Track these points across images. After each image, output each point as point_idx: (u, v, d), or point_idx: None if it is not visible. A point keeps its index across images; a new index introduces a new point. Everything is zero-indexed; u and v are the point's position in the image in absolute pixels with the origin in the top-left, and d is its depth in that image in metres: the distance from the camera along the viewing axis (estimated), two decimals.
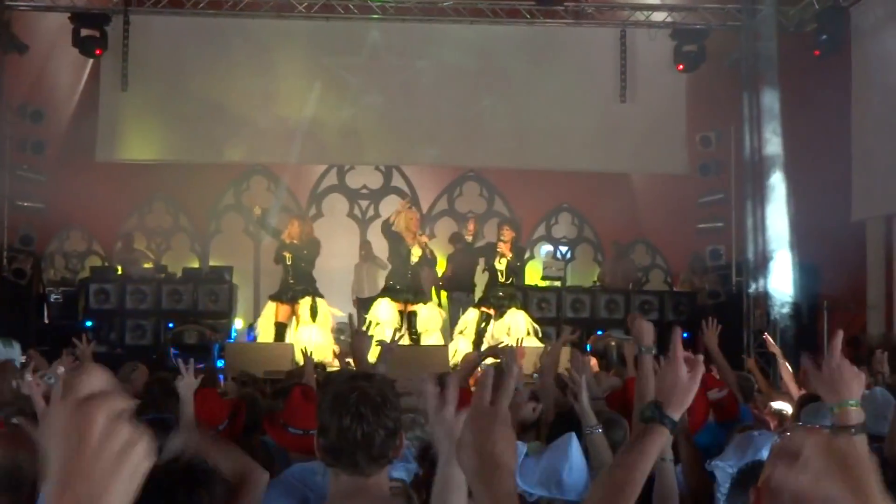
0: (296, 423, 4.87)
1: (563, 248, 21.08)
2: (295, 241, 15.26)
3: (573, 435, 4.38)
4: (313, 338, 14.85)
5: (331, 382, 3.56)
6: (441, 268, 17.53)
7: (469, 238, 15.75)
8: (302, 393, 5.02)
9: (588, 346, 14.91)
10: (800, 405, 7.45)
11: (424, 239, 15.38)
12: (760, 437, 4.55)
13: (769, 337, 11.57)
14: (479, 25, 17.47)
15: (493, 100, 17.83)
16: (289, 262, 15.26)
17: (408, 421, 4.70)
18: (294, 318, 15.25)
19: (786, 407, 8.37)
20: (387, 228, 15.47)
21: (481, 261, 15.75)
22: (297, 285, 15.22)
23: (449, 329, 16.04)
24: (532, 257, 20.65)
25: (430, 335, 15.08)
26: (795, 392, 8.39)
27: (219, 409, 6.02)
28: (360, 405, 3.20)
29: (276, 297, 15.46)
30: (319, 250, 15.47)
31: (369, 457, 3.20)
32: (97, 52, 16.70)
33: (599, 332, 15.71)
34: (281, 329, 15.24)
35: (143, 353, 15.06)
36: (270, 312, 15.40)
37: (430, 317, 15.19)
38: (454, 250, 17.37)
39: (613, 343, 14.29)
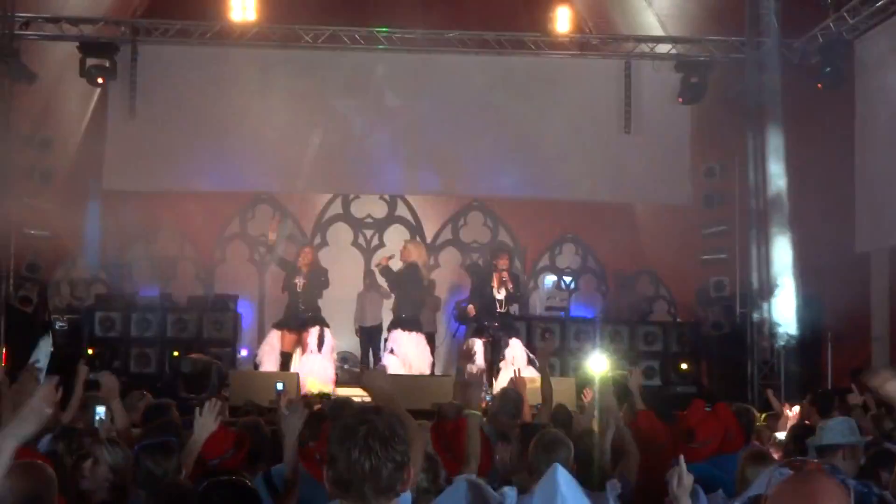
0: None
1: (567, 279, 21.08)
2: (306, 269, 15.31)
3: (557, 465, 4.39)
4: (317, 367, 14.88)
5: (340, 415, 3.59)
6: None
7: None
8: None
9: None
10: (793, 434, 7.54)
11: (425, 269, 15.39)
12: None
13: (771, 393, 11.59)
14: (484, 57, 17.56)
15: (498, 130, 17.88)
16: (300, 290, 15.26)
17: None
18: (299, 346, 15.23)
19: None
20: (387, 272, 15.61)
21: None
22: (306, 312, 15.23)
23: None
24: (536, 287, 20.68)
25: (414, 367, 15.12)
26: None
27: (223, 439, 6.05)
28: (369, 438, 3.24)
29: (283, 325, 15.45)
30: (328, 279, 15.56)
31: (377, 489, 3.23)
32: (100, 80, 16.76)
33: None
34: (287, 358, 15.23)
35: (148, 381, 15.09)
36: (275, 340, 15.39)
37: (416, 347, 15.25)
38: (475, 281, 17.28)
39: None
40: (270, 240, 15.80)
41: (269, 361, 15.34)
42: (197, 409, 6.04)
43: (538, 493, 4.31)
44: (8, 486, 4.07)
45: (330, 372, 15.11)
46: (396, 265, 15.68)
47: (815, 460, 5.53)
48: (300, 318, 15.25)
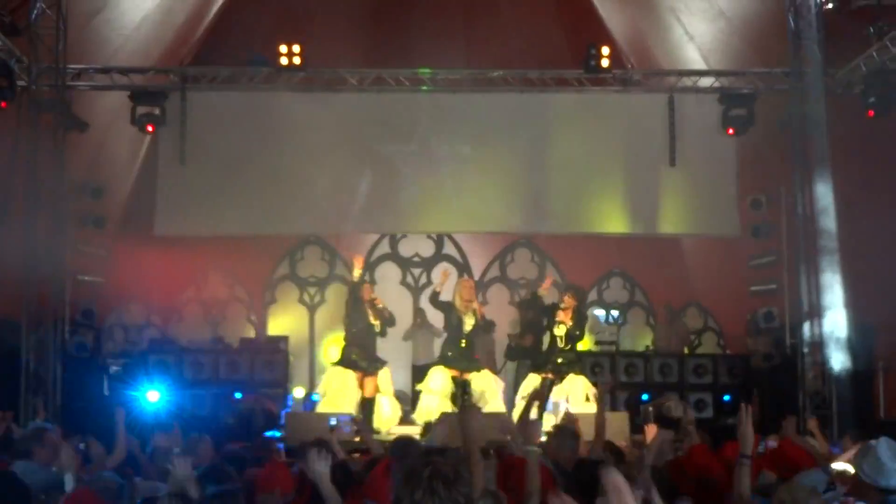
0: (373, 494, 4.96)
1: (615, 313, 21.08)
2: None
3: None
4: (388, 408, 14.99)
5: (405, 454, 3.67)
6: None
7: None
8: (385, 467, 5.11)
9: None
10: None
11: (476, 306, 15.41)
12: None
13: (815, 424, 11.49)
14: (528, 94, 17.67)
15: (544, 167, 17.94)
16: (378, 330, 15.35)
17: None
18: (364, 387, 15.21)
19: (848, 467, 8.40)
20: (434, 299, 15.65)
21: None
22: (374, 353, 15.30)
23: (511, 396, 16.09)
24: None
25: (488, 403, 15.03)
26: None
27: (285, 482, 6.14)
28: (433, 480, 3.31)
29: (352, 366, 15.29)
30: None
31: None
32: (150, 128, 17.02)
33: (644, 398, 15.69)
34: (370, 405, 15.24)
35: (203, 423, 15.22)
36: (341, 379, 15.30)
37: (484, 385, 15.16)
38: (529, 318, 17.32)
39: (651, 408, 14.22)
40: (357, 270, 15.77)
41: (331, 401, 15.21)
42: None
43: None
44: None
45: (396, 412, 15.20)
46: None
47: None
48: (372, 361, 15.33)
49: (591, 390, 15.01)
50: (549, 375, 15.10)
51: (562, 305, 15.15)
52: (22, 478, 6.35)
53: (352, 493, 5.40)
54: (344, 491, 6.00)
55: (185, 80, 17.32)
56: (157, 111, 16.87)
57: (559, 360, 15.13)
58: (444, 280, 15.69)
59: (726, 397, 17.03)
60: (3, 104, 14.87)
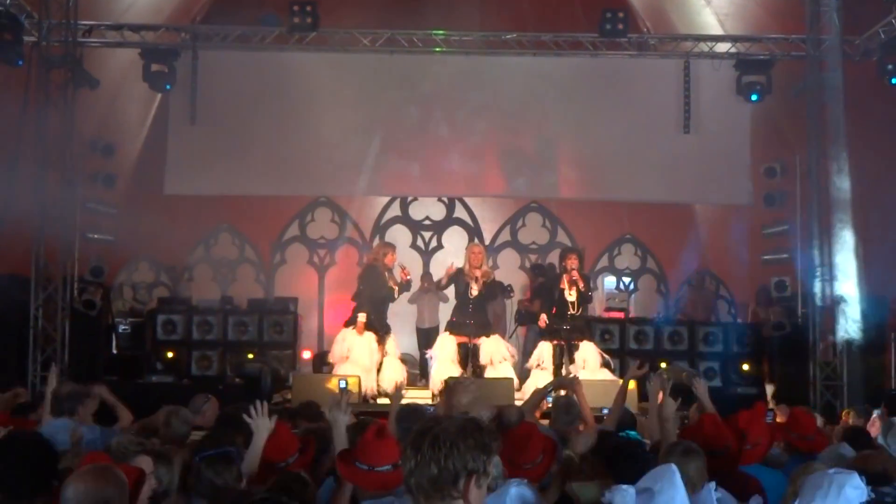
0: (364, 458, 4.92)
1: (627, 279, 21.01)
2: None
3: (674, 466, 4.39)
4: (394, 372, 14.93)
5: (411, 420, 3.62)
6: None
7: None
8: (376, 430, 5.07)
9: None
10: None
11: (479, 273, 15.18)
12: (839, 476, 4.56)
13: None
14: (542, 58, 17.52)
15: (556, 131, 17.85)
16: (396, 297, 15.27)
17: None
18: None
19: None
20: (439, 285, 15.65)
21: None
22: (385, 319, 15.24)
23: (521, 362, 16.03)
24: (595, 288, 20.61)
25: (496, 368, 14.96)
26: None
27: (289, 443, 6.10)
28: (422, 439, 3.30)
29: (370, 328, 14.96)
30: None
31: (430, 497, 3.29)
32: (169, 87, 16.99)
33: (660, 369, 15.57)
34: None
35: (210, 383, 15.23)
36: (365, 342, 14.89)
37: (494, 350, 15.07)
38: (539, 283, 17.27)
39: (666, 377, 14.14)
40: (404, 275, 15.33)
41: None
42: (249, 413, 6.12)
43: (659, 494, 4.29)
44: (81, 489, 4.15)
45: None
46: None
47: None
48: (386, 326, 15.27)
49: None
50: (562, 342, 14.97)
51: (570, 266, 14.95)
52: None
53: (342, 456, 5.34)
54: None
55: (196, 39, 17.21)
56: (166, 69, 16.78)
57: (569, 327, 14.99)
58: (449, 273, 15.45)
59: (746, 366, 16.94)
60: (16, 62, 14.88)
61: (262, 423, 6.05)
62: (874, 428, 9.86)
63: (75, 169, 16.10)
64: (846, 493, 4.65)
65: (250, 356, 16.42)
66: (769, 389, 11.32)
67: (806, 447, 7.29)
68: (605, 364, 15.04)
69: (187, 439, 7.79)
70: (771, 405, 10.51)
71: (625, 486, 4.44)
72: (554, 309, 15.06)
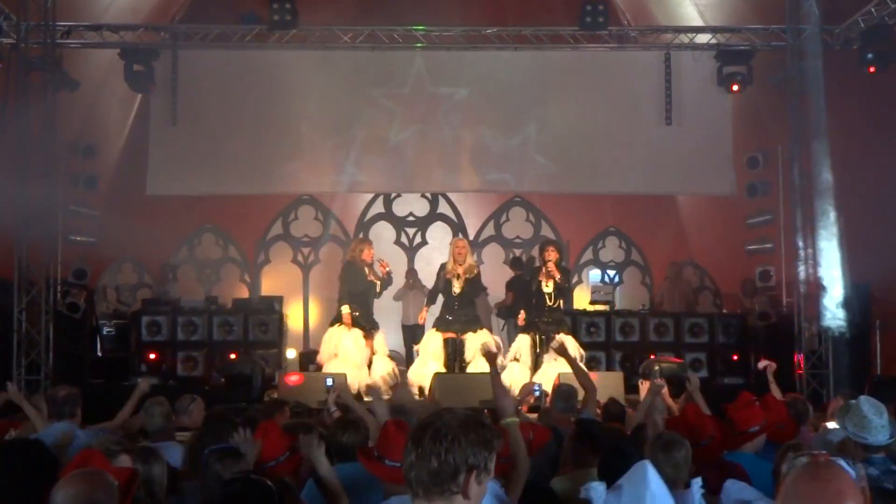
0: (390, 454, 4.90)
1: (611, 272, 21.04)
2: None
3: (647, 463, 4.38)
4: (383, 369, 14.90)
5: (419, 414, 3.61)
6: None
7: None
8: (395, 425, 5.06)
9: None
10: None
11: (460, 269, 15.12)
12: None
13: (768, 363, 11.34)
14: (523, 52, 17.51)
15: (539, 125, 17.85)
16: (378, 291, 15.19)
17: None
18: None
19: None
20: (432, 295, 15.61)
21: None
22: (372, 315, 15.20)
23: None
24: (580, 282, 20.63)
25: (482, 363, 14.92)
26: None
27: (279, 443, 6.08)
28: (424, 433, 3.28)
29: (356, 325, 14.88)
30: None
31: (423, 486, 3.26)
32: (151, 87, 16.94)
33: (653, 357, 15.61)
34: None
35: (196, 384, 15.20)
36: (352, 339, 14.87)
37: (481, 345, 15.05)
38: (512, 277, 17.32)
39: (657, 367, 14.20)
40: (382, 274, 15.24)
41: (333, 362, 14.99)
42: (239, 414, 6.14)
43: (626, 489, 4.30)
44: (71, 494, 4.12)
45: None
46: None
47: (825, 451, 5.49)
48: (371, 323, 15.22)
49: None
50: (539, 335, 14.95)
51: (548, 259, 14.91)
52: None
53: (363, 451, 5.34)
54: (353, 450, 6.02)
55: (175, 38, 17.13)
56: (147, 70, 16.71)
57: (547, 320, 14.96)
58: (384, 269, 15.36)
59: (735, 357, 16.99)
60: None
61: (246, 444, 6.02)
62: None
63: (56, 171, 16.01)
64: None
65: (233, 356, 16.33)
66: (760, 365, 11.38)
67: (777, 436, 7.24)
68: (582, 358, 15.00)
69: (173, 430, 7.88)
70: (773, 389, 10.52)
71: (595, 483, 4.49)
72: (533, 300, 15.05)
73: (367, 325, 15.00)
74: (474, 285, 15.27)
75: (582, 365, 13.65)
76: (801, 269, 15.90)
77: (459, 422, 3.30)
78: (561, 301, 15.21)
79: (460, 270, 14.99)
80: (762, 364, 11.33)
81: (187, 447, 7.03)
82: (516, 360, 14.93)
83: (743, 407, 6.94)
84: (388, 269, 15.20)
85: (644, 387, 12.24)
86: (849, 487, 2.90)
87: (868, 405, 6.00)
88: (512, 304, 16.43)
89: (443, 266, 15.18)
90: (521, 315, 15.18)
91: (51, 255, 15.89)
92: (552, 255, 14.92)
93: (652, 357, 15.63)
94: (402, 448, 3.39)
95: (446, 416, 3.32)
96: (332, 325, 15.17)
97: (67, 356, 15.86)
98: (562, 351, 10.86)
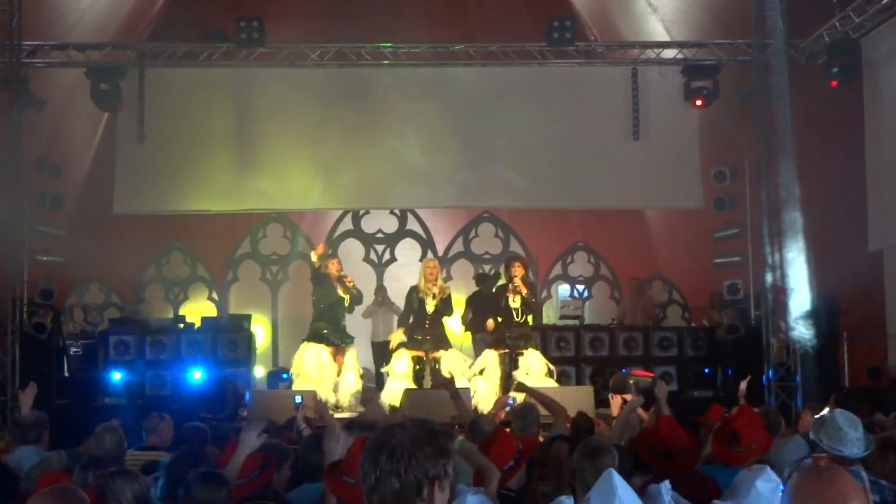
0: (350, 471, 4.85)
1: (580, 287, 21.07)
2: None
3: (612, 470, 4.39)
4: (353, 385, 14.91)
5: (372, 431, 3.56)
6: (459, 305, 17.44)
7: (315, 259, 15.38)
8: (361, 444, 5.03)
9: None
10: None
11: (435, 289, 15.16)
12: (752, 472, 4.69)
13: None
14: (490, 68, 17.56)
15: (507, 141, 17.89)
16: (347, 304, 15.23)
17: None
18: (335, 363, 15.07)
19: None
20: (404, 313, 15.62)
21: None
22: (343, 329, 15.19)
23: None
24: (549, 297, 20.65)
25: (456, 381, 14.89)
26: None
27: (251, 460, 6.05)
28: (379, 453, 3.23)
29: (324, 341, 15.07)
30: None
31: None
32: (118, 106, 16.87)
33: (623, 371, 15.62)
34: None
35: (164, 403, 15.09)
36: (315, 356, 15.03)
37: (453, 363, 15.03)
38: (473, 292, 17.33)
39: (632, 382, 14.23)
40: (314, 260, 15.40)
41: (304, 378, 15.02)
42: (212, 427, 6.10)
43: (594, 499, 4.30)
44: None
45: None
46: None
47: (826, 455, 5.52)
48: (342, 336, 15.24)
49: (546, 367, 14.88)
50: (506, 350, 14.95)
51: (514, 274, 14.92)
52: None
53: (329, 470, 5.30)
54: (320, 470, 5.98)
55: (142, 57, 17.09)
56: (114, 88, 16.64)
57: (514, 335, 14.96)
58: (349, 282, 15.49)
59: (706, 370, 17.04)
60: None
61: (247, 438, 6.02)
62: (804, 422, 9.93)
63: (22, 191, 15.92)
64: (757, 487, 4.79)
65: (196, 374, 16.18)
66: (742, 385, 11.44)
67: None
68: (550, 374, 15.02)
69: (123, 456, 7.77)
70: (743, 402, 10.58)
71: (563, 498, 4.52)
72: (499, 318, 15.06)
73: (338, 340, 15.00)
74: (446, 305, 15.28)
75: (548, 385, 13.73)
76: (769, 281, 15.97)
77: (412, 437, 3.26)
78: (529, 317, 15.23)
79: (435, 290, 15.01)
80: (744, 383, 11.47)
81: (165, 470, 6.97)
82: (481, 374, 14.91)
83: (749, 424, 6.87)
84: (352, 282, 15.25)
85: (615, 401, 12.26)
86: (851, 488, 2.95)
87: (843, 418, 6.01)
88: (473, 318, 16.42)
89: (413, 288, 15.18)
90: (490, 322, 15.15)
91: (17, 274, 15.78)
92: (518, 270, 14.94)
93: (623, 371, 15.64)
94: None
95: (398, 434, 3.27)
96: (303, 341, 15.20)
97: (34, 377, 15.69)
98: (522, 388, 10.82)
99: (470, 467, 5.54)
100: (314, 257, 15.33)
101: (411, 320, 15.29)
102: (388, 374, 15.35)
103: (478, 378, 14.91)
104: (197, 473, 5.64)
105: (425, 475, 3.22)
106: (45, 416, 8.69)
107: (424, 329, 15.07)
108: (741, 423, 6.76)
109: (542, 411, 9.11)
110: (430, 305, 15.00)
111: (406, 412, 13.50)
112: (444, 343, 15.19)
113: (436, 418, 11.20)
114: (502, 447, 6.00)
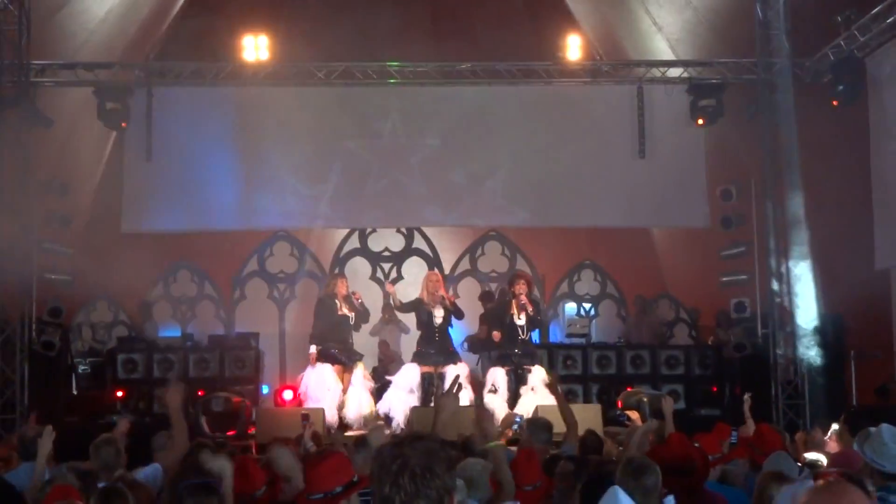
0: (314, 487, 4.82)
1: (587, 305, 21.05)
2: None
3: (617, 488, 4.39)
4: (361, 403, 14.90)
5: (380, 447, 3.54)
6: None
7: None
8: (315, 455, 5.03)
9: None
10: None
11: (444, 295, 15.23)
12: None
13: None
14: (497, 87, 17.62)
15: (513, 159, 17.93)
16: (353, 323, 15.28)
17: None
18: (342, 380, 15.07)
19: (820, 458, 8.41)
20: (400, 308, 15.62)
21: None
22: (351, 346, 15.24)
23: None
24: (556, 315, 20.64)
25: (465, 396, 14.91)
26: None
27: (256, 477, 6.07)
28: (400, 475, 3.22)
29: (331, 360, 15.08)
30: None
31: None
32: (123, 124, 16.92)
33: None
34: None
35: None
36: (320, 374, 15.00)
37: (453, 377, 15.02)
38: (485, 310, 17.31)
39: (646, 399, 14.24)
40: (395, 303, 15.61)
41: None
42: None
43: None
44: None
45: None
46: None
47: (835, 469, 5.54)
48: (351, 354, 15.28)
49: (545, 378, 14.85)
50: (510, 367, 14.95)
51: (518, 292, 14.94)
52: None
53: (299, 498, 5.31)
54: None
55: (150, 76, 17.17)
56: (121, 107, 16.70)
57: (519, 353, 14.95)
58: (392, 292, 15.63)
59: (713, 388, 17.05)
60: None
61: (220, 465, 6.01)
62: (832, 444, 9.94)
63: (30, 209, 15.97)
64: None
65: (200, 393, 16.19)
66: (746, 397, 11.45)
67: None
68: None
69: (117, 468, 7.75)
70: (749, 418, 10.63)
71: None
72: (503, 333, 15.07)
73: (345, 359, 15.02)
74: (451, 316, 15.33)
75: (553, 403, 13.71)
76: (776, 299, 15.98)
77: (425, 452, 3.25)
78: (535, 333, 15.25)
79: (444, 297, 15.08)
80: (747, 397, 11.43)
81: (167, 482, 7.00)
82: (492, 391, 14.90)
83: (769, 431, 7.02)
84: (360, 299, 15.31)
85: (635, 416, 12.37)
86: (861, 501, 2.99)
87: (889, 433, 6.02)
88: (487, 337, 16.41)
89: (419, 300, 15.21)
90: (496, 333, 15.14)
91: (25, 293, 15.83)
92: (522, 287, 14.95)
93: (629, 389, 15.64)
94: (327, 477, 3.33)
95: (410, 453, 3.25)
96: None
97: (43, 395, 15.75)
98: (552, 387, 10.89)
99: (486, 482, 5.54)
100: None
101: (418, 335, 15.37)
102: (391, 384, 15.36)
103: (490, 395, 14.89)
104: (187, 483, 5.65)
105: (445, 489, 3.22)
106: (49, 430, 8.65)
107: (433, 342, 15.09)
108: (768, 445, 6.91)
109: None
110: (438, 318, 15.04)
111: (413, 429, 13.50)
112: (452, 357, 15.20)
113: (443, 436, 11.24)
114: (533, 465, 6.03)
